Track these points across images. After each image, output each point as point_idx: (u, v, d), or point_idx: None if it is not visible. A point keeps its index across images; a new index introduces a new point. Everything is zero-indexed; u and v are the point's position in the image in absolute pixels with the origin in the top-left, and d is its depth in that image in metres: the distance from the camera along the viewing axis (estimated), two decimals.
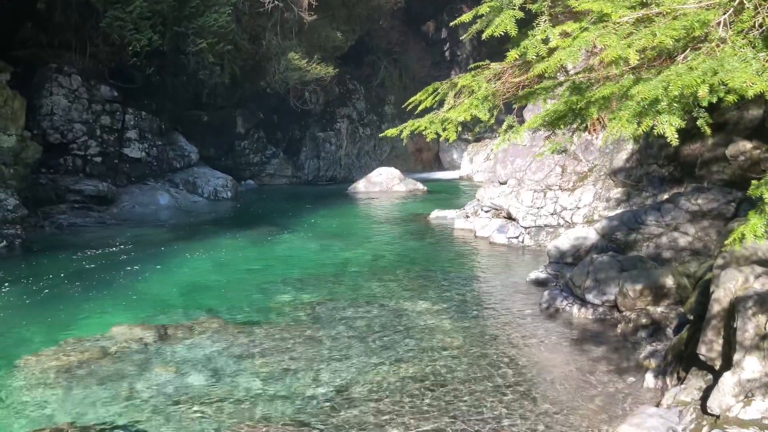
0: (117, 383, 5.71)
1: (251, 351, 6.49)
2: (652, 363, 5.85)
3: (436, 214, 14.82)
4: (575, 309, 7.52)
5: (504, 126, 3.60)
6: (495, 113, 3.50)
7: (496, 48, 3.72)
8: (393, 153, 26.48)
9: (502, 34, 3.38)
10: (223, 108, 21.53)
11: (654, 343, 6.29)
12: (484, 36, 3.35)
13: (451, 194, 20.05)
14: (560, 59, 2.65)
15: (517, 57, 3.14)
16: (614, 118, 2.36)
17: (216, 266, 10.68)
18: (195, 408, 5.24)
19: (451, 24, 4.56)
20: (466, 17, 3.83)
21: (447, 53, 31.68)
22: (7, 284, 9.23)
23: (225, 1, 17.49)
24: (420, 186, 20.71)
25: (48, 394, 5.51)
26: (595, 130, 10.59)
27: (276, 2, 19.56)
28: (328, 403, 5.32)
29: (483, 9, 3.50)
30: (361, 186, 21.02)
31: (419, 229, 13.88)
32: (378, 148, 26.38)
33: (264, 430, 4.85)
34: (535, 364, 6.16)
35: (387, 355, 6.37)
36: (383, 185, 20.67)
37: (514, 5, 3.22)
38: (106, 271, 10.02)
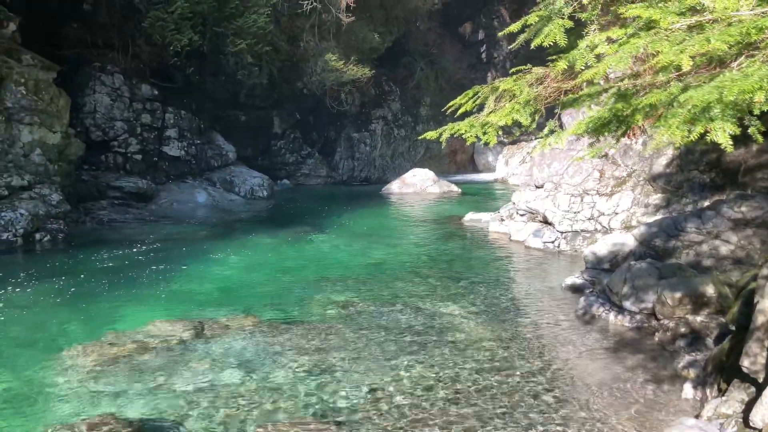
0: (155, 377, 5.82)
1: (285, 349, 6.55)
2: (691, 373, 5.74)
3: (471, 217, 14.75)
4: (612, 316, 7.42)
5: (545, 130, 3.57)
6: (536, 118, 3.48)
7: (533, 50, 3.69)
8: (427, 154, 26.45)
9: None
10: (261, 108, 21.78)
11: (693, 353, 6.16)
12: (532, 45, 3.33)
13: (485, 197, 19.95)
14: (609, 65, 2.62)
15: (566, 67, 3.11)
16: (663, 125, 2.32)
17: (251, 264, 10.81)
18: (229, 403, 5.32)
19: (499, 34, 4.54)
20: (514, 27, 3.80)
21: (484, 55, 31.53)
22: (50, 277, 9.49)
23: (264, 3, 17.72)
24: (454, 188, 20.65)
25: (90, 386, 5.65)
26: (634, 134, 10.43)
27: (314, 4, 19.72)
28: (360, 404, 5.34)
29: (531, 19, 3.48)
30: (394, 187, 21.04)
31: (453, 232, 13.85)
32: (412, 150, 26.39)
33: (297, 428, 4.89)
34: (571, 371, 6.09)
35: (420, 357, 6.37)
36: (417, 186, 20.66)
37: (563, 14, 3.19)
38: (144, 266, 10.22)
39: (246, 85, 19.58)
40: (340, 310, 8.01)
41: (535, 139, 25.42)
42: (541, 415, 5.11)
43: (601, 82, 3.48)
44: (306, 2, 19.80)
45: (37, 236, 11.94)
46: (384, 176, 24.53)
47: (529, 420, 5.02)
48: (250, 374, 5.92)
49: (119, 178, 16.30)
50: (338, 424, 4.97)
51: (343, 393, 5.56)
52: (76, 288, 8.96)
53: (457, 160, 27.86)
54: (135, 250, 11.46)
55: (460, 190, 20.59)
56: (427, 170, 21.73)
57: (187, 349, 6.50)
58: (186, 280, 9.59)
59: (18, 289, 8.79)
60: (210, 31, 16.96)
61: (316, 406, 5.31)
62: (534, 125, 3.52)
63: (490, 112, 3.52)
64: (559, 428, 4.89)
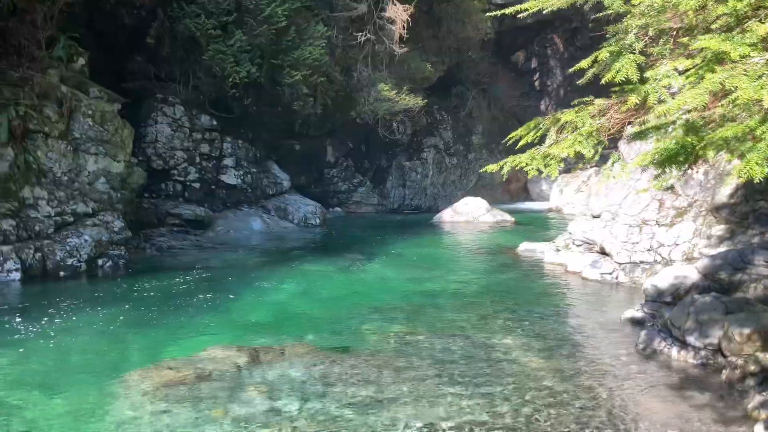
0: (211, 403, 5.89)
1: (339, 379, 6.54)
2: (763, 414, 5.46)
3: (525, 247, 14.54)
4: (674, 351, 7.16)
5: (609, 163, 3.51)
6: (599, 149, 3.43)
7: (588, 80, 3.66)
8: (480, 183, 26.29)
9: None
10: (315, 137, 22.13)
11: (764, 393, 5.87)
12: (603, 81, 3.30)
13: (540, 226, 19.66)
14: (685, 101, 2.56)
15: (638, 102, 3.06)
16: (742, 161, 2.25)
17: (304, 292, 10.90)
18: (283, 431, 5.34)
19: (569, 70, 4.53)
20: (584, 63, 3.77)
21: (537, 83, 31.35)
22: (112, 303, 9.78)
23: (319, 35, 18.12)
24: (508, 217, 20.43)
25: (149, 410, 5.75)
26: (696, 164, 10.13)
27: (368, 35, 20.06)
28: None
29: (602, 55, 3.45)
30: (446, 215, 20.96)
31: (507, 262, 13.67)
32: (464, 178, 26.29)
33: None
34: (632, 409, 5.88)
35: (475, 391, 6.26)
36: (469, 215, 20.53)
37: (634, 49, 3.15)
38: (201, 292, 10.43)
39: (301, 115, 19.97)
40: (393, 340, 7.97)
41: (591, 167, 25.01)
42: None
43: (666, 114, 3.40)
44: (360, 34, 20.15)
45: (100, 262, 12.33)
46: (435, 204, 24.49)
47: None
48: (305, 403, 5.93)
49: (178, 205, 16.77)
50: None
51: (396, 427, 5.49)
52: (136, 313, 9.19)
53: (510, 188, 27.60)
54: (192, 276, 11.72)
55: (513, 219, 20.36)
56: (479, 199, 21.57)
57: (243, 376, 6.56)
58: (241, 307, 9.73)
59: (82, 314, 9.08)
60: (267, 63, 17.42)
61: None
62: (597, 157, 3.46)
63: (552, 144, 3.48)
64: None
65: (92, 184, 13.27)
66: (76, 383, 6.50)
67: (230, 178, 18.54)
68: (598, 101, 3.56)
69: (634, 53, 3.15)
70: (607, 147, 3.67)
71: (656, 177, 3.55)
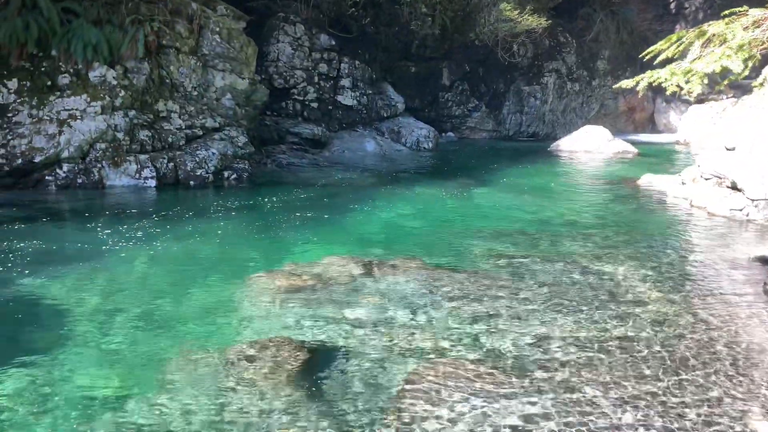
0: (328, 307, 6.24)
1: (448, 293, 6.69)
2: None
3: (648, 179, 13.85)
4: None
5: (760, 79, 3.23)
6: (749, 65, 3.15)
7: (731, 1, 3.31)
8: (602, 111, 25.04)
9: None
10: (431, 59, 21.79)
11: None
12: None
13: (665, 159, 18.60)
14: None
15: None
16: None
17: (416, 212, 11.07)
18: (393, 337, 5.57)
19: None
20: None
21: (672, 5, 28.85)
22: (236, 211, 10.42)
23: None
24: (630, 148, 19.43)
25: (270, 310, 6.19)
26: None
27: None
28: (521, 353, 5.35)
29: None
30: (564, 144, 20.26)
31: (627, 194, 13.12)
32: (586, 105, 25.11)
33: (454, 367, 5.01)
34: (756, 347, 5.62)
35: (585, 314, 6.21)
36: (589, 145, 19.72)
37: None
38: (318, 206, 10.86)
39: (418, 35, 19.66)
40: (503, 262, 7.98)
41: (727, 98, 23.07)
42: (717, 387, 4.80)
43: None
44: None
45: (225, 174, 13.06)
46: (553, 132, 23.67)
47: (703, 394, 4.74)
48: (414, 313, 6.14)
49: (297, 124, 17.29)
50: (497, 368, 5.03)
51: (503, 341, 5.59)
52: (258, 222, 9.76)
53: (635, 118, 26.09)
54: (310, 191, 12.20)
55: (637, 150, 19.34)
56: (601, 128, 20.61)
57: (358, 285, 6.86)
58: (356, 223, 10.06)
59: (210, 221, 9.76)
60: None
61: (476, 350, 5.40)
62: (746, 73, 3.20)
63: (695, 59, 3.24)
64: (738, 405, 4.57)
65: (219, 99, 13.90)
66: (205, 282, 7.07)
67: (346, 98, 18.78)
68: (753, 11, 3.25)
69: None
70: (759, 63, 3.37)
71: None
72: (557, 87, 24.34)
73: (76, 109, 11.59)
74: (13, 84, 11.10)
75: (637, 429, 4.22)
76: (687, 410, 4.47)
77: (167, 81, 13.02)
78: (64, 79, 11.60)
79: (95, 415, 4.30)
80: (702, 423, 4.32)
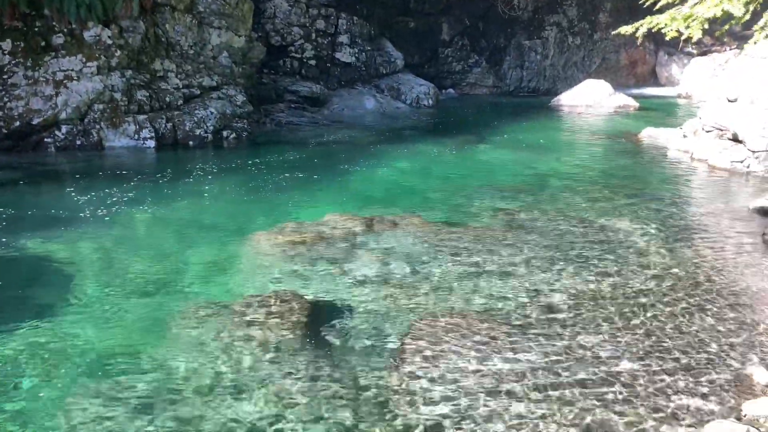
0: (330, 263, 6.30)
1: (449, 249, 6.73)
2: None
3: (649, 133, 13.78)
4: None
5: (761, 23, 3.19)
6: (751, 9, 3.11)
7: None
8: (603, 65, 24.71)
9: None
10: (430, 14, 21.43)
11: None
12: None
13: (666, 112, 18.46)
14: None
15: None
16: None
17: (416, 170, 11.05)
18: (394, 292, 5.65)
19: None
20: None
21: None
22: (236, 170, 10.41)
23: None
24: (631, 101, 19.25)
25: (273, 267, 6.24)
26: None
27: None
28: (521, 305, 5.42)
29: None
30: (565, 99, 20.07)
31: (628, 148, 13.07)
32: (587, 59, 24.76)
33: (455, 318, 5.09)
34: (753, 293, 5.69)
35: (586, 267, 6.27)
36: (590, 99, 19.53)
37: None
38: (318, 165, 10.84)
39: None
40: (504, 217, 8.01)
41: (730, 49, 22.77)
42: (716, 334, 4.88)
43: None
44: None
45: (224, 133, 12.99)
46: (554, 87, 23.40)
47: (699, 338, 4.82)
48: (415, 268, 6.20)
49: (295, 82, 17.11)
50: (498, 321, 5.10)
51: (503, 293, 5.66)
52: (259, 181, 9.76)
53: (636, 72, 25.76)
54: (310, 150, 12.16)
55: (637, 104, 19.17)
56: (602, 81, 20.37)
57: (359, 241, 6.91)
58: (356, 180, 10.06)
59: (211, 180, 9.77)
60: None
61: (476, 303, 5.48)
62: (747, 17, 3.15)
63: (696, 3, 3.20)
64: (730, 349, 4.65)
65: (216, 58, 13.74)
66: (209, 239, 7.12)
67: (345, 55, 18.54)
68: None
69: None
70: (760, 7, 3.32)
71: None
72: (558, 41, 23.98)
73: (72, 70, 11.47)
74: (7, 45, 10.96)
75: (636, 372, 4.31)
76: (684, 356, 4.55)
77: (163, 40, 12.86)
78: (58, 39, 11.45)
79: (103, 369, 4.38)
80: (703, 366, 4.40)
